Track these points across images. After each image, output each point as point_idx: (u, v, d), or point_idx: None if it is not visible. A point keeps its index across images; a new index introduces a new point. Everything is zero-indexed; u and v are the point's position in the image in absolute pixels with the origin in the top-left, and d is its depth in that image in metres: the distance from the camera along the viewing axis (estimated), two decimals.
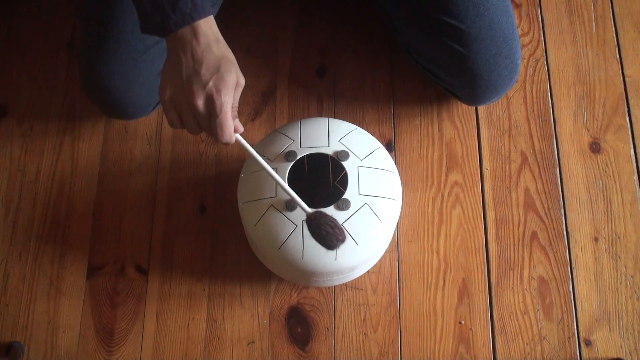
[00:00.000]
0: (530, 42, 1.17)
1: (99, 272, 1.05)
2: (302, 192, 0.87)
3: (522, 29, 1.18)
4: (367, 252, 0.88)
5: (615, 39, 1.17)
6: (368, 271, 1.01)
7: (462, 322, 1.01)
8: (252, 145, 0.81)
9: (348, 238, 0.86)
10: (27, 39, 1.19)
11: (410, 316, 1.02)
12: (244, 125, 1.11)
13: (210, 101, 0.74)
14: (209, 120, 0.75)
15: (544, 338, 1.00)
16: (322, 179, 0.89)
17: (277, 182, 0.84)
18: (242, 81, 0.77)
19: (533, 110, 1.13)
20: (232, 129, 0.76)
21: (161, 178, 1.10)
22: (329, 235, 0.84)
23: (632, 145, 1.10)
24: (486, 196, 1.08)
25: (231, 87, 0.75)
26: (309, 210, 0.84)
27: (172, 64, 0.76)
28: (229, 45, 0.78)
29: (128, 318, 1.03)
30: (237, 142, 0.79)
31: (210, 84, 0.74)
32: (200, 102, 0.74)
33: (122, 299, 1.04)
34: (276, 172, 0.88)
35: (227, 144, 0.77)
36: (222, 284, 1.04)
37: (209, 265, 1.05)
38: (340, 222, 0.86)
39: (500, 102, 1.13)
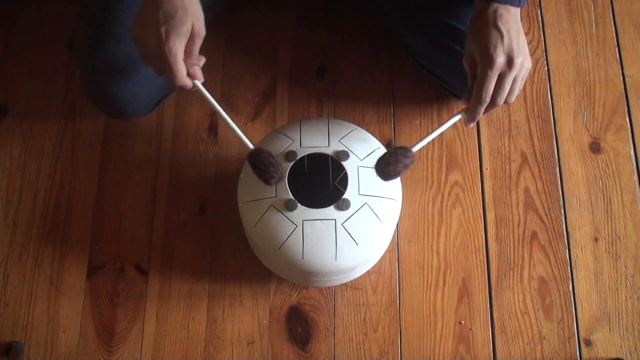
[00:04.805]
0: (530, 42, 1.17)
1: (99, 272, 1.05)
2: (302, 192, 0.87)
3: None
4: (367, 252, 0.88)
5: (615, 39, 1.17)
6: (368, 271, 1.01)
7: (462, 322, 1.01)
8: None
9: (348, 238, 0.86)
10: (27, 39, 1.19)
11: (410, 316, 1.02)
12: (244, 124, 1.12)
13: (160, 45, 0.76)
14: (164, 64, 0.78)
15: (544, 338, 1.00)
16: (322, 179, 0.89)
17: (226, 121, 0.82)
18: (201, 32, 0.79)
19: (533, 110, 1.13)
20: (184, 73, 0.78)
21: (161, 178, 1.10)
22: (267, 169, 0.81)
23: (632, 145, 1.10)
24: (486, 196, 1.08)
25: (183, 34, 0.77)
26: (252, 146, 0.82)
27: (142, 5, 0.80)
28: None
29: (128, 318, 1.02)
30: (197, 88, 0.81)
31: (163, 29, 0.76)
32: (152, 44, 0.77)
33: (122, 299, 1.03)
34: None
35: (182, 88, 0.79)
36: (222, 284, 1.04)
37: (209, 265, 1.05)
38: (341, 222, 0.86)
39: None
